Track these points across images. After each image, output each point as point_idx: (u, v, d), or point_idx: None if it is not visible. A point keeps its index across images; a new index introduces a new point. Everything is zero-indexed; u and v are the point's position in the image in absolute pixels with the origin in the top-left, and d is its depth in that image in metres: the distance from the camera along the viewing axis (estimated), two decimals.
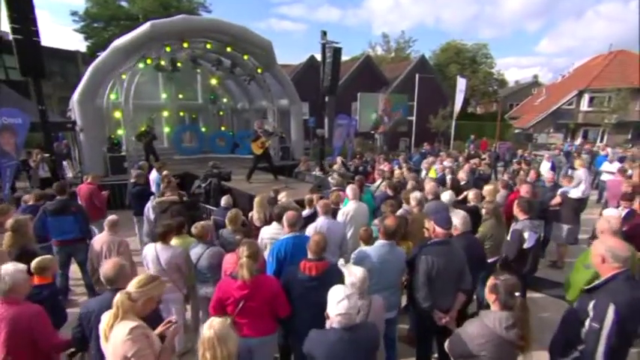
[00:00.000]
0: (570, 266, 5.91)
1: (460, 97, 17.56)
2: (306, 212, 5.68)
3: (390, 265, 3.01)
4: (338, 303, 2.07)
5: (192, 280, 3.66)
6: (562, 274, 5.76)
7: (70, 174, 10.49)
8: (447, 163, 8.72)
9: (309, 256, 2.82)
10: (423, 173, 8.76)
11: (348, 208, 4.70)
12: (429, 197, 4.91)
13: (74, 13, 24.96)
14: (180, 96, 14.58)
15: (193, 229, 3.56)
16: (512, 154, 13.53)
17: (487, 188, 5.44)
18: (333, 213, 4.93)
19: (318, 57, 13.40)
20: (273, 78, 13.07)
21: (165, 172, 7.40)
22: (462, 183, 6.25)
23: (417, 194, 4.50)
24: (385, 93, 21.26)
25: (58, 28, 55.37)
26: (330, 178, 6.28)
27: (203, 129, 15.40)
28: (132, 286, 2.08)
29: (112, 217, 3.71)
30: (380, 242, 3.06)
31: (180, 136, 14.50)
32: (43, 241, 4.36)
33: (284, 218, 3.49)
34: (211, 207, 6.64)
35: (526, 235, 4.00)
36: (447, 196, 5.61)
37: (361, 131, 17.93)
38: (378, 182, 6.76)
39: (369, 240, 3.66)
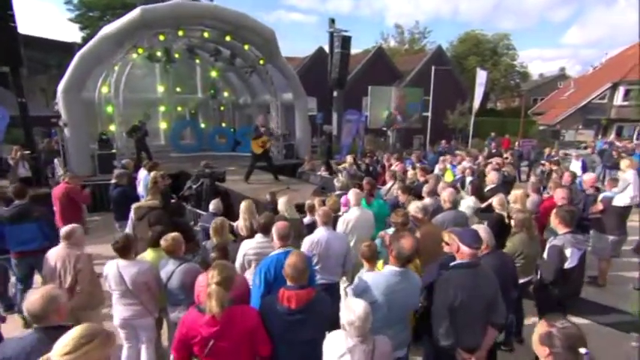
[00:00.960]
0: (616, 283, 5.31)
1: (480, 91, 16.88)
2: (306, 220, 5.22)
3: (400, 299, 2.47)
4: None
5: (163, 302, 3.19)
6: (605, 294, 5.14)
7: (60, 172, 10.20)
8: (466, 163, 8.10)
9: (288, 282, 2.32)
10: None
11: (349, 215, 4.18)
12: (447, 206, 4.35)
13: (68, 2, 24.83)
14: (178, 90, 14.29)
15: (162, 242, 3.09)
16: (537, 152, 12.78)
17: (515, 193, 4.85)
18: (334, 222, 4.43)
19: (327, 48, 13.02)
20: (276, 70, 12.65)
21: (154, 173, 6.98)
22: (490, 187, 5.63)
23: (419, 203, 3.94)
24: (398, 87, 20.60)
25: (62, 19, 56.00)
26: (335, 181, 5.74)
27: (202, 125, 15.22)
28: (55, 354, 1.49)
29: (69, 226, 3.26)
30: (390, 269, 2.52)
31: (178, 133, 14.27)
32: (1, 252, 3.95)
33: (273, 230, 2.99)
34: (202, 212, 6.21)
35: (568, 252, 3.43)
36: (468, 203, 5.06)
37: (372, 128, 17.31)
38: (388, 185, 6.21)
39: (373, 259, 3.14)
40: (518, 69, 32.08)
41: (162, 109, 13.74)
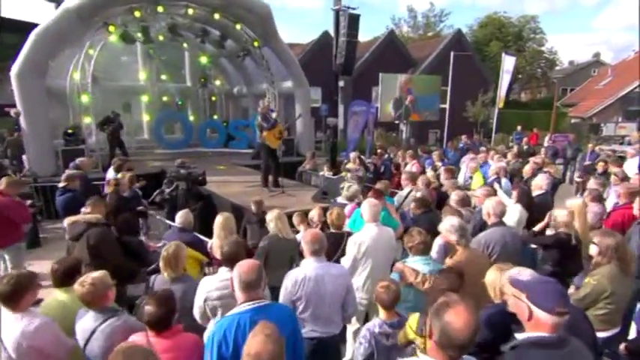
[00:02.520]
0: None
1: (507, 79, 15.80)
2: (300, 236, 4.34)
3: None
4: None
5: None
6: None
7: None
8: (495, 161, 7.18)
9: None
10: (462, 177, 7.33)
11: (363, 236, 3.29)
12: (492, 220, 3.43)
13: None
14: (164, 77, 13.71)
15: (77, 288, 2.21)
16: (575, 149, 11.74)
17: (573, 204, 3.90)
18: (336, 240, 3.54)
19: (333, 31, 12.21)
20: (273, 54, 11.89)
21: (122, 174, 6.17)
22: (538, 194, 4.70)
23: (453, 220, 2.99)
24: (411, 75, 19.61)
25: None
26: (342, 187, 4.85)
27: (191, 117, 14.56)
28: None
29: None
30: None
31: (163, 126, 13.58)
32: None
33: (235, 271, 2.09)
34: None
35: None
36: (514, 215, 4.13)
37: (384, 121, 16.37)
38: (405, 190, 5.29)
39: (393, 307, 2.25)
40: (547, 55, 30.76)
41: (145, 99, 13.09)
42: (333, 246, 3.64)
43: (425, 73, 21.15)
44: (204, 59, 13.19)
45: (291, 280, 2.54)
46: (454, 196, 4.46)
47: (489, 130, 20.42)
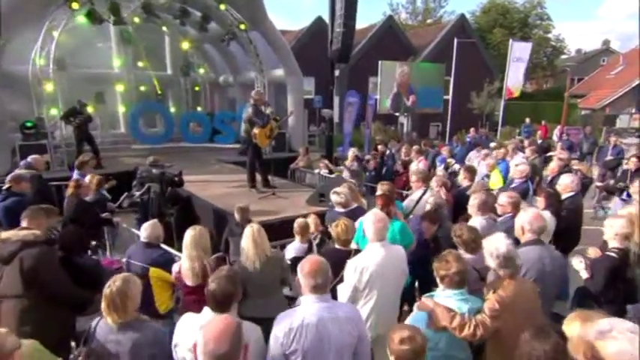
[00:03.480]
0: None
1: (519, 68, 15.29)
2: (295, 247, 3.81)
3: None
4: None
5: None
6: None
7: None
8: (520, 158, 6.67)
9: None
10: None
11: (366, 260, 2.71)
12: (527, 237, 2.87)
13: None
14: (141, 64, 12.89)
15: None
16: (591, 143, 11.34)
17: (631, 211, 3.36)
18: (339, 259, 2.97)
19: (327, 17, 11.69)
20: (263, 39, 11.35)
21: (90, 175, 5.54)
22: (567, 196, 4.17)
23: (498, 242, 2.40)
24: (410, 63, 19.08)
25: None
26: (333, 193, 4.28)
27: (172, 109, 13.96)
28: None
29: None
30: None
31: (141, 119, 12.99)
32: None
33: (201, 336, 1.49)
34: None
35: None
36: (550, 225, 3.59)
37: (381, 113, 15.84)
38: (417, 193, 4.72)
39: None
40: (554, 43, 30.36)
41: (120, 88, 12.32)
42: (335, 266, 3.06)
43: (426, 62, 20.58)
44: (185, 45, 12.58)
45: (283, 327, 1.94)
46: (473, 199, 3.88)
47: (494, 123, 20.04)
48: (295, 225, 3.95)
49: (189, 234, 3.11)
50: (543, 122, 15.91)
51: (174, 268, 3.20)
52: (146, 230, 3.55)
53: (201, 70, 14.56)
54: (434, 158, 8.53)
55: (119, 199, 5.97)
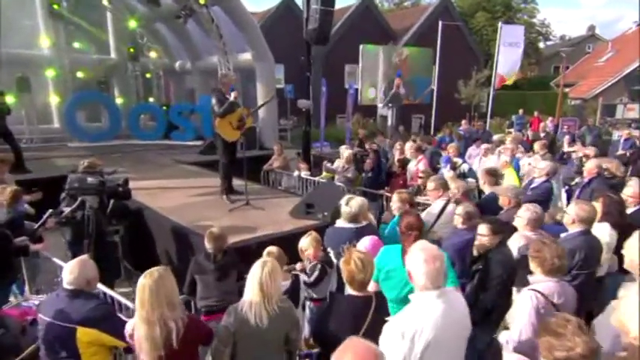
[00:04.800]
0: None
1: (512, 53, 15.10)
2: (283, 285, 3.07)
3: None
4: None
5: None
6: None
7: None
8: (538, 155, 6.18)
9: None
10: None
11: (420, 320, 1.97)
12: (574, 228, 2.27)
13: None
14: (77, 46, 12.35)
15: None
16: (594, 135, 11.22)
17: None
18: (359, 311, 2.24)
19: None
20: (227, 17, 10.82)
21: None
22: (635, 209, 3.63)
23: None
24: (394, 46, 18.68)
25: None
26: (346, 205, 3.56)
27: (118, 100, 13.35)
28: None
29: None
30: None
31: (80, 111, 12.42)
32: None
33: None
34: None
35: None
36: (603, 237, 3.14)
37: (363, 104, 15.29)
38: (437, 204, 4.05)
39: None
40: (539, 28, 30.86)
41: (50, 73, 11.43)
42: (353, 323, 2.30)
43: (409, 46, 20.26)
44: (132, 23, 12.04)
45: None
46: (526, 214, 3.31)
47: (481, 114, 19.95)
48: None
49: (144, 284, 2.25)
50: (536, 113, 15.82)
51: (128, 327, 2.37)
52: (71, 273, 2.63)
53: (153, 54, 14.08)
54: (431, 157, 8.02)
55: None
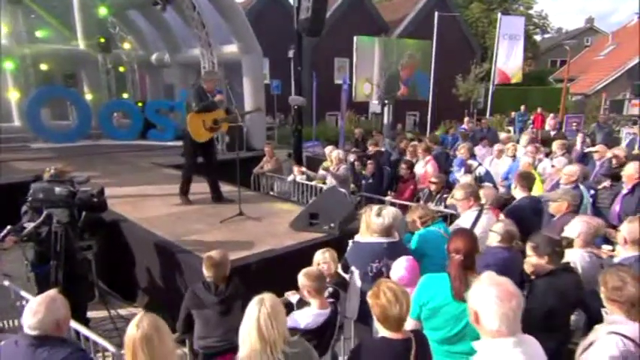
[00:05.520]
0: None
1: (512, 46, 15.09)
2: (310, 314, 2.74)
3: None
4: None
5: None
6: None
7: None
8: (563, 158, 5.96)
9: None
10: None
11: None
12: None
13: None
14: (40, 34, 12.19)
15: None
16: (606, 133, 11.15)
17: None
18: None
19: None
20: (210, 4, 10.61)
21: None
22: None
23: None
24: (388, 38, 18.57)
25: None
26: (377, 215, 3.22)
27: (88, 96, 13.05)
28: None
29: None
30: None
31: (44, 109, 12.17)
32: None
33: None
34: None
35: None
36: None
37: (358, 101, 15.15)
38: (468, 215, 3.74)
39: None
40: (536, 20, 31.20)
41: (9, 66, 11.05)
42: None
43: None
44: (103, 10, 11.78)
45: None
46: (580, 226, 3.01)
47: (480, 111, 20.00)
48: (306, 278, 2.73)
49: (133, 339, 1.83)
50: (539, 110, 15.79)
51: None
52: (35, 314, 2.19)
53: (127, 46, 13.81)
54: (436, 158, 7.82)
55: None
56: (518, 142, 8.92)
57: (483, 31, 28.86)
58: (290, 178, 7.88)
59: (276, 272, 4.07)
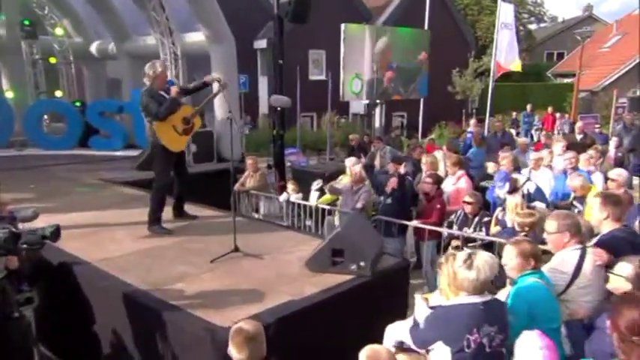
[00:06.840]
0: None
1: (506, 36, 15.24)
2: None
3: None
4: None
5: None
6: None
7: None
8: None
9: None
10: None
11: None
12: None
13: None
14: None
15: None
16: (634, 136, 11.33)
17: None
18: None
19: None
20: None
21: None
22: None
23: None
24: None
25: None
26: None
27: (9, 94, 13.13)
28: None
29: None
30: None
31: None
32: None
33: None
34: None
35: None
36: None
37: (346, 99, 14.95)
38: (569, 256, 3.31)
39: None
40: (531, 8, 32.19)
41: None
42: None
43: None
44: None
45: None
46: None
47: (478, 110, 20.32)
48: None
49: None
50: (550, 110, 16.11)
51: None
52: None
53: (59, 31, 13.61)
54: None
55: None
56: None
57: (473, 20, 29.50)
58: (283, 197, 7.51)
59: (300, 334, 3.54)
